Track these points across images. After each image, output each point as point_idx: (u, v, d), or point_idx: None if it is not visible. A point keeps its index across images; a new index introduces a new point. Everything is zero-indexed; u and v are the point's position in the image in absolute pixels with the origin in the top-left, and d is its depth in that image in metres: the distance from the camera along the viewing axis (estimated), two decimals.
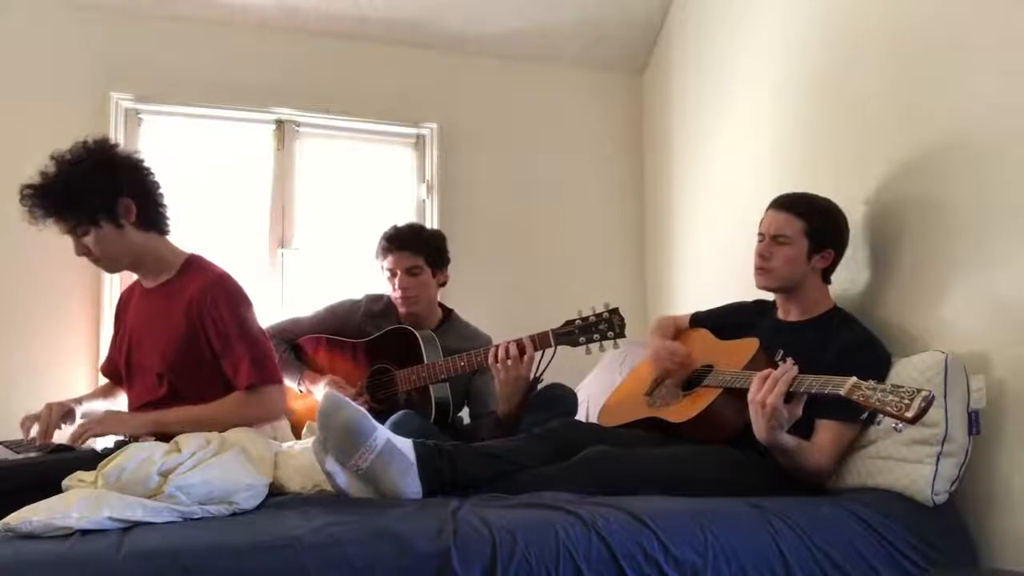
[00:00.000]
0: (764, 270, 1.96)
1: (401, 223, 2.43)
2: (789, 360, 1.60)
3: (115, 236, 1.80)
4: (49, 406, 1.85)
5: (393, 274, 2.35)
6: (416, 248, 2.34)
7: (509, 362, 2.06)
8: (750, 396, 1.61)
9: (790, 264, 1.93)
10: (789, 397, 1.57)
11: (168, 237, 1.93)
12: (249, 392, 1.78)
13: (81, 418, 1.91)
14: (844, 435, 1.74)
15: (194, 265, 1.91)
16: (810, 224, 1.92)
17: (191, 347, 1.81)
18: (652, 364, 2.12)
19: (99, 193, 1.76)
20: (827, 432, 1.73)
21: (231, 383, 1.81)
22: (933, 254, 1.87)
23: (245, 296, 1.87)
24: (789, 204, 1.96)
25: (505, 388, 2.10)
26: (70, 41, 2.90)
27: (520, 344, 2.08)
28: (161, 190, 1.89)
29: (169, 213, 1.91)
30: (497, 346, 2.11)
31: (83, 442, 1.69)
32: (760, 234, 1.99)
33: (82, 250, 1.81)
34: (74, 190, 1.74)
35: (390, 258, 2.35)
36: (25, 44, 2.86)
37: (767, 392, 1.57)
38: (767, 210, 2.00)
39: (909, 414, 1.33)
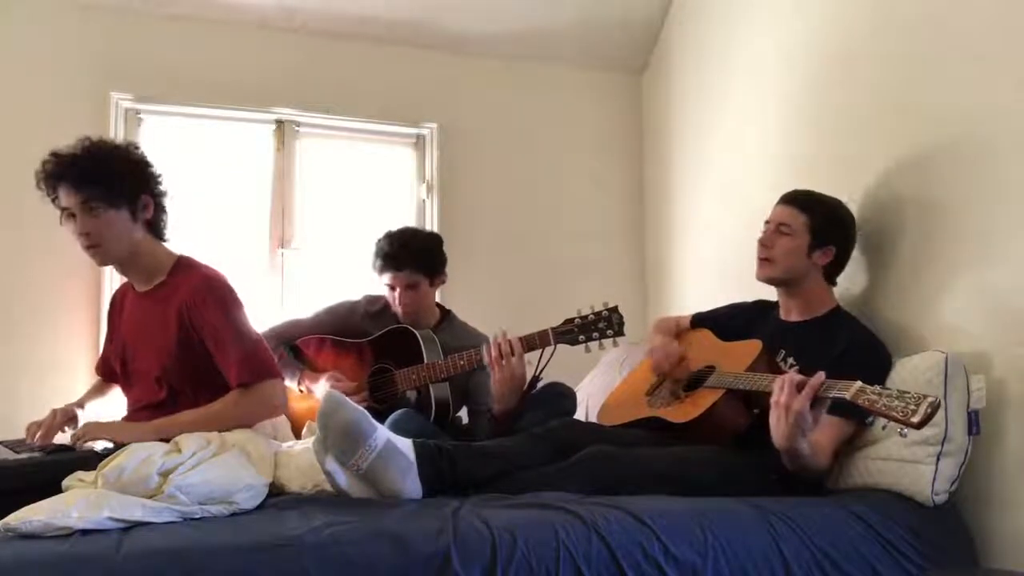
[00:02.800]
0: (765, 260, 1.97)
1: (394, 232, 2.36)
2: (821, 373, 1.55)
3: (125, 226, 1.81)
4: (53, 411, 1.86)
5: (392, 288, 2.35)
6: (414, 266, 2.30)
7: (503, 360, 2.07)
8: (774, 399, 1.56)
9: (790, 255, 1.94)
10: (812, 403, 1.55)
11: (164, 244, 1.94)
12: (243, 390, 1.77)
13: (84, 419, 1.91)
14: (844, 432, 1.73)
15: (183, 266, 1.90)
16: (813, 219, 1.93)
17: (186, 349, 1.81)
18: (650, 364, 2.12)
19: (129, 179, 1.80)
20: (828, 428, 1.72)
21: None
22: (933, 254, 1.87)
23: (234, 294, 1.86)
24: (795, 199, 1.98)
25: (501, 387, 2.09)
26: (70, 41, 2.90)
27: (510, 341, 2.08)
28: (167, 200, 1.92)
29: (168, 222, 1.93)
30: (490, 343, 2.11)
31: (84, 443, 1.70)
32: (765, 223, 2.00)
33: (83, 228, 1.77)
34: (106, 166, 1.77)
35: (388, 275, 2.33)
36: (25, 44, 2.86)
37: (791, 396, 1.52)
38: (775, 205, 2.01)
39: (915, 419, 1.33)
